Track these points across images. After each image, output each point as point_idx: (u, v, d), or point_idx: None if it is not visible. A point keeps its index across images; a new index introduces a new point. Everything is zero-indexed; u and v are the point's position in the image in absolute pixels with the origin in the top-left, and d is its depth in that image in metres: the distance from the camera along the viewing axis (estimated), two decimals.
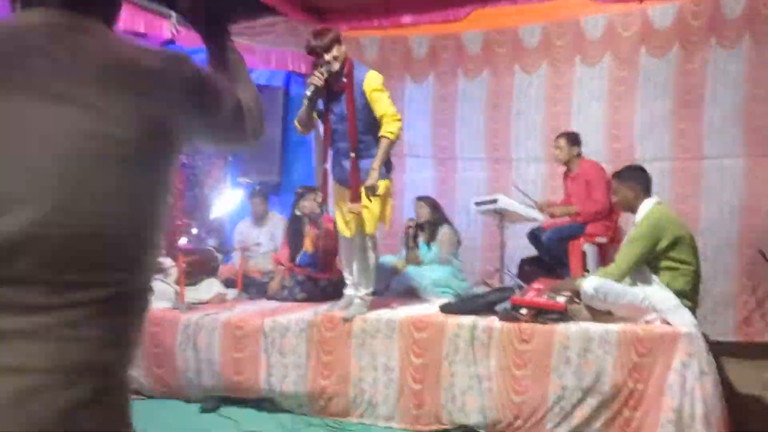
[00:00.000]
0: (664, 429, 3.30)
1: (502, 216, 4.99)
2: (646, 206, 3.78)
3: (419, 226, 5.22)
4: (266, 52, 6.11)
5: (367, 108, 3.96)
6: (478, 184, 6.22)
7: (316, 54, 3.94)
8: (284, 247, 5.31)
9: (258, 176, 6.46)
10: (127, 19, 4.95)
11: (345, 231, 4.25)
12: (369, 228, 4.11)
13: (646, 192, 3.84)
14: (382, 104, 3.92)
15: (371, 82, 3.93)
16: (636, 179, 3.86)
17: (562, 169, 5.50)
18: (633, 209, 3.86)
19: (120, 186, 1.07)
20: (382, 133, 3.94)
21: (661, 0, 5.43)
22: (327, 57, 3.91)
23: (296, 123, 4.12)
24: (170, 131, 1.16)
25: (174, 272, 4.70)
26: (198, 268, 4.90)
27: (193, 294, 4.82)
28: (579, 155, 5.11)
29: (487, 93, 6.20)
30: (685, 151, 5.50)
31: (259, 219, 5.85)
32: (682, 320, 3.49)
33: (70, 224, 1.03)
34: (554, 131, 5.88)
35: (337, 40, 3.96)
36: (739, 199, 5.33)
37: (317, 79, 3.86)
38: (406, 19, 6.07)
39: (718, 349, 4.94)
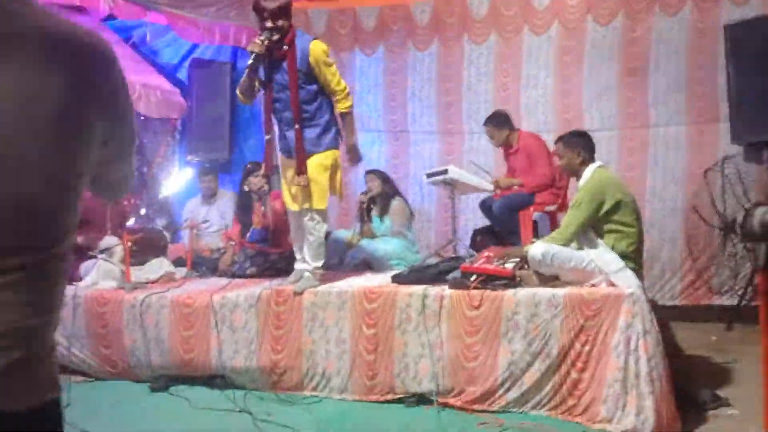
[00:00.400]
0: (611, 388, 3.37)
1: (453, 187, 4.99)
2: (589, 171, 3.82)
3: (371, 200, 5.19)
4: (210, 26, 5.95)
5: (310, 77, 3.91)
6: (431, 157, 6.23)
7: (262, 16, 3.84)
8: (234, 224, 5.25)
9: (207, 154, 6.33)
10: None
11: (292, 205, 4.20)
12: (316, 202, 4.07)
13: (591, 157, 3.88)
14: (333, 79, 3.91)
15: (317, 53, 3.87)
16: (582, 144, 3.89)
17: None
18: (577, 174, 3.90)
19: (43, 155, 1.04)
20: (341, 109, 3.96)
21: None
22: (270, 24, 3.82)
23: (238, 92, 4.08)
24: (94, 117, 1.11)
25: (119, 251, 4.58)
26: (145, 248, 4.79)
27: (140, 273, 4.72)
28: (512, 131, 5.13)
29: (438, 65, 6.19)
30: (632, 120, 5.59)
31: (209, 197, 5.75)
32: (626, 281, 3.55)
33: None
34: (505, 102, 5.93)
35: (287, 10, 3.90)
36: (683, 166, 5.45)
37: (258, 45, 3.78)
38: None
39: (667, 314, 5.10)
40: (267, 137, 4.14)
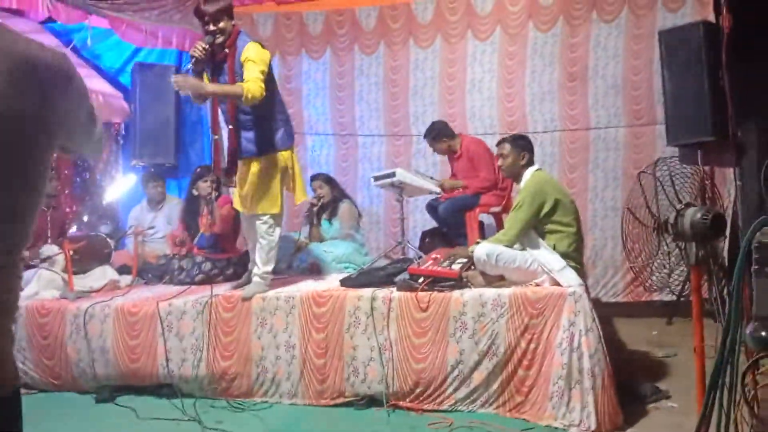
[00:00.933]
0: (555, 385, 3.45)
1: (401, 189, 5.03)
2: (528, 173, 3.91)
3: (322, 206, 5.19)
4: (153, 30, 5.85)
5: None
6: (379, 160, 6.27)
7: (203, 20, 3.83)
8: (181, 228, 5.15)
9: (152, 158, 6.20)
10: None
11: (241, 207, 4.18)
12: (267, 206, 4.05)
13: (532, 160, 3.97)
14: (251, 72, 3.72)
15: (249, 50, 3.81)
16: (525, 147, 3.98)
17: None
18: (517, 176, 3.99)
19: (12, 164, 1.15)
20: (241, 84, 3.69)
21: None
22: (212, 27, 3.81)
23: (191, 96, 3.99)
24: (54, 126, 1.23)
25: (60, 260, 4.45)
26: (88, 256, 4.67)
27: (84, 282, 4.61)
28: (453, 138, 5.22)
29: (384, 69, 6.23)
30: (574, 123, 5.75)
31: (155, 203, 5.65)
32: (569, 280, 3.65)
33: None
34: (450, 105, 6.03)
35: (228, 11, 3.87)
36: (622, 167, 5.63)
37: (198, 50, 3.76)
38: None
39: (610, 311, 5.25)
40: (215, 137, 4.09)
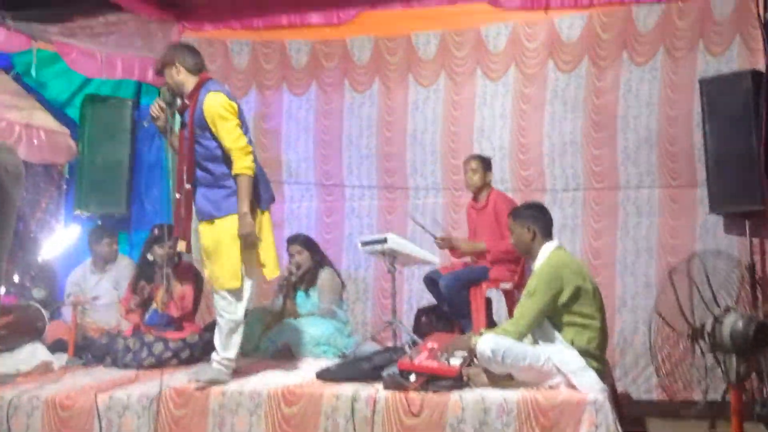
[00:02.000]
0: None
1: (394, 258, 5.01)
2: (544, 252, 3.90)
3: (302, 275, 5.17)
4: (110, 58, 5.91)
5: (209, 134, 3.99)
6: (369, 216, 6.28)
7: (159, 76, 4.12)
8: (128, 294, 5.12)
9: (100, 208, 6.22)
10: None
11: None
12: (225, 279, 4.05)
13: (546, 234, 3.96)
14: (228, 136, 3.94)
15: (211, 107, 3.95)
16: (534, 219, 3.98)
17: (465, 199, 5.64)
18: (530, 253, 3.98)
19: None
20: (236, 170, 3.95)
21: (568, 8, 5.71)
22: (166, 81, 4.07)
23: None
24: None
25: None
26: (17, 330, 4.64)
27: (10, 363, 4.57)
28: (490, 183, 5.25)
29: (378, 109, 6.28)
30: (600, 181, 5.77)
31: (103, 263, 5.63)
32: (589, 384, 3.61)
33: None
34: (454, 155, 6.06)
35: (170, 62, 4.05)
36: (657, 235, 5.62)
37: (154, 109, 4.04)
38: (282, 19, 6.10)
39: (642, 409, 5.19)
40: (177, 196, 4.17)
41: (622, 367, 5.56)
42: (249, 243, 4.00)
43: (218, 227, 4.03)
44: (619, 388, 5.50)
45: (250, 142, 4.09)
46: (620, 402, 4.92)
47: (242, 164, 3.93)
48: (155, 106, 4.03)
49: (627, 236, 5.71)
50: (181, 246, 4.11)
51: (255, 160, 4.10)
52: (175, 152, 4.27)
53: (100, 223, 6.14)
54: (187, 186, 4.03)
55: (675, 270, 4.49)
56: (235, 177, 3.95)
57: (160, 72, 4.11)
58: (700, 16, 5.49)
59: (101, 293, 5.49)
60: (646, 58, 5.65)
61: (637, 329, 5.59)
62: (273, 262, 4.21)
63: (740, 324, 2.62)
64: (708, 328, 2.67)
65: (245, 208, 3.95)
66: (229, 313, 4.08)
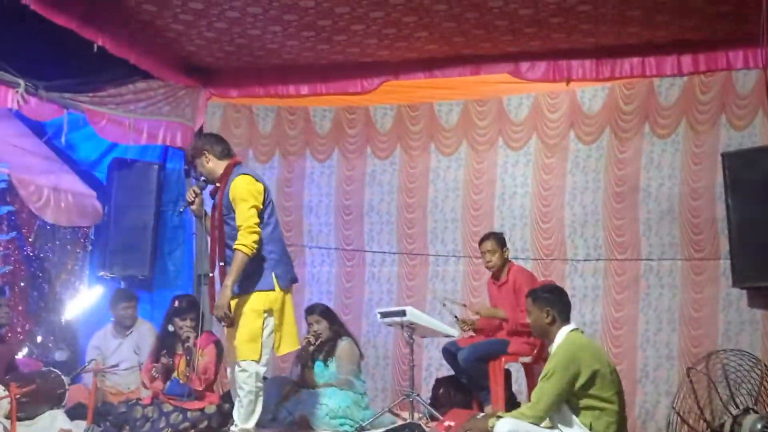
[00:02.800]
0: None
1: (412, 330, 5.04)
2: (561, 335, 3.90)
3: (320, 345, 5.20)
4: (137, 123, 6.05)
5: (234, 215, 4.19)
6: (390, 282, 6.32)
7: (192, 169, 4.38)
8: (150, 366, 5.17)
9: (124, 270, 6.30)
10: None
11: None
12: (246, 351, 4.14)
13: (563, 318, 3.96)
14: (241, 214, 4.16)
15: (234, 188, 4.20)
16: (551, 302, 3.97)
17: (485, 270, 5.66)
18: (547, 335, 3.98)
19: None
20: (235, 245, 4.12)
21: (590, 81, 5.77)
22: (198, 172, 4.35)
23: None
24: None
25: (5, 404, 4.46)
26: (38, 399, 4.67)
27: (30, 431, 4.59)
28: (508, 259, 5.27)
29: (400, 176, 6.38)
30: (621, 251, 5.79)
31: (123, 328, 5.70)
32: None
33: None
34: (475, 222, 6.12)
35: (199, 152, 4.32)
36: (680, 307, 5.60)
37: (189, 195, 4.29)
38: (306, 88, 6.19)
39: None
40: (211, 275, 4.40)
41: None
42: (219, 316, 4.14)
43: (241, 302, 4.19)
44: None
45: (272, 212, 4.31)
46: None
47: (243, 241, 4.09)
48: (190, 192, 4.29)
49: (649, 307, 5.70)
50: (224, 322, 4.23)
51: (278, 246, 4.28)
52: (208, 234, 4.50)
53: (122, 285, 6.22)
54: (220, 264, 4.24)
55: (693, 369, 4.46)
56: (234, 250, 4.10)
57: (190, 162, 4.45)
58: (723, 90, 5.54)
59: (122, 357, 5.54)
60: (669, 131, 5.70)
61: (659, 401, 5.55)
62: (293, 338, 4.35)
63: (759, 426, 2.60)
64: (727, 428, 2.64)
65: (229, 281, 4.10)
66: (250, 385, 4.14)
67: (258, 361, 4.18)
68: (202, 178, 4.32)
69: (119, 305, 5.73)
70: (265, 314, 4.19)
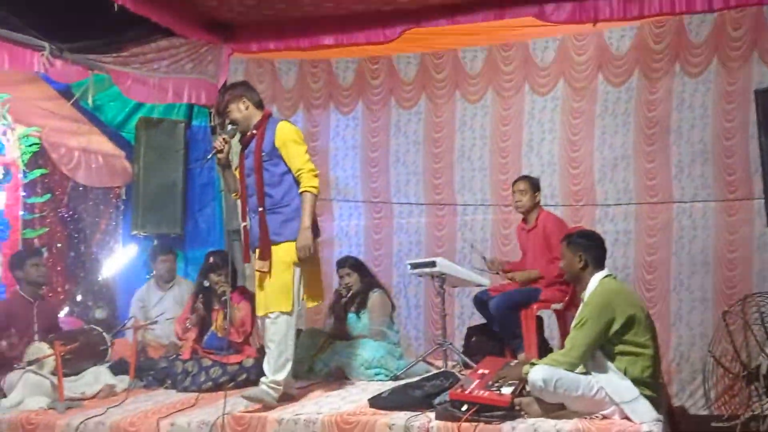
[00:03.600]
0: None
1: (443, 280, 5.07)
2: (594, 281, 3.89)
3: (351, 297, 5.26)
4: (162, 82, 6.06)
5: (276, 158, 4.20)
6: (418, 233, 6.34)
7: (223, 112, 4.32)
8: (185, 317, 5.28)
9: (156, 228, 6.41)
10: None
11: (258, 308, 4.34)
12: (278, 302, 4.18)
13: (597, 265, 3.95)
14: (299, 158, 4.19)
15: (285, 132, 4.21)
16: (586, 248, 3.97)
17: (514, 215, 5.66)
18: (580, 281, 3.98)
19: None
20: (303, 187, 4.16)
21: (618, 21, 5.62)
22: (231, 117, 4.27)
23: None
24: None
25: (50, 361, 4.60)
26: (82, 355, 4.80)
27: (74, 386, 4.73)
28: (539, 204, 5.25)
29: (425, 126, 6.33)
30: (653, 195, 5.73)
31: (164, 282, 5.86)
32: (642, 414, 3.60)
33: None
34: (503, 170, 6.07)
35: (238, 97, 4.27)
36: (713, 249, 5.55)
37: (218, 143, 4.23)
38: (328, 39, 6.13)
39: (700, 426, 5.12)
40: (243, 224, 4.39)
41: (679, 382, 5.52)
42: (304, 256, 4.15)
43: (274, 253, 4.21)
44: (676, 404, 5.47)
45: None
46: (676, 419, 4.90)
47: (311, 183, 4.17)
48: (220, 140, 4.24)
49: (682, 250, 5.66)
50: (264, 266, 4.22)
51: None
52: (235, 184, 4.45)
53: (155, 242, 6.33)
54: (260, 209, 4.23)
55: (729, 311, 4.43)
56: (302, 194, 4.16)
57: (225, 107, 4.31)
58: (754, 26, 5.38)
59: (164, 309, 5.69)
60: (700, 70, 5.57)
61: (694, 344, 5.55)
62: (320, 291, 4.44)
63: None
64: (763, 370, 2.64)
65: (308, 222, 4.14)
66: (279, 337, 4.20)
67: (290, 313, 4.22)
68: (233, 127, 4.30)
69: (158, 259, 5.90)
70: (294, 265, 4.21)
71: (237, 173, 4.43)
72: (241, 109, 4.26)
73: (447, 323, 5.22)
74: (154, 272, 6.03)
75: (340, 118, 6.53)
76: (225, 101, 4.31)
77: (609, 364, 3.77)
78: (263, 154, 4.21)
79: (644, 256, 5.72)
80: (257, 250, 4.29)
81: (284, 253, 4.21)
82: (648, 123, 5.72)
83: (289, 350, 4.27)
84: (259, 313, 4.33)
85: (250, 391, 4.21)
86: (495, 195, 6.12)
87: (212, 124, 6.48)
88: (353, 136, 6.52)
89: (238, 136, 4.40)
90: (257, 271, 4.28)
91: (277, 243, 4.22)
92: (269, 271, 4.22)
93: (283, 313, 4.20)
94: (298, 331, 5.44)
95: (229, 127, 4.31)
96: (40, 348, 4.76)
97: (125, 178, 6.52)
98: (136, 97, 6.03)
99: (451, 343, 5.09)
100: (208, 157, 4.32)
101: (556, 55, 5.95)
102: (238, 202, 4.51)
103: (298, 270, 4.25)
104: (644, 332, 3.79)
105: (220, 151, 4.23)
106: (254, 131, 4.27)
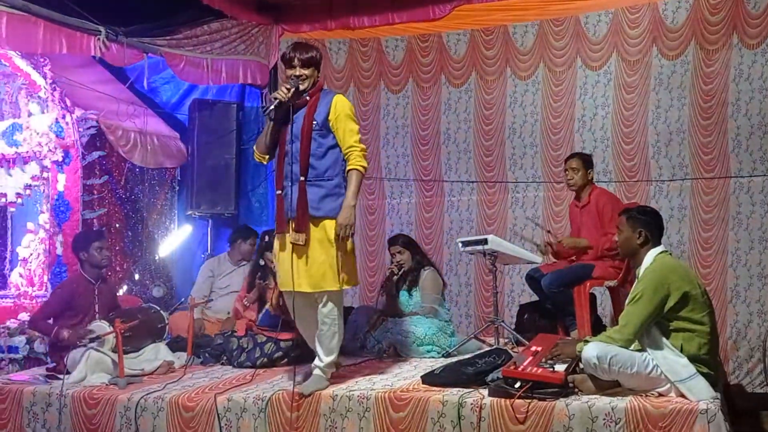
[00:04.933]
0: None
1: (494, 257, 5.03)
2: (650, 257, 3.81)
3: (403, 274, 5.25)
4: (214, 64, 6.12)
5: (327, 130, 4.08)
6: (469, 211, 6.30)
7: (290, 65, 4.06)
8: (244, 294, 5.36)
9: (211, 208, 6.51)
10: (46, 41, 4.96)
11: (285, 283, 4.17)
12: (329, 282, 4.06)
13: (655, 240, 3.87)
14: (352, 135, 4.07)
15: (342, 105, 4.09)
16: (646, 224, 3.88)
17: (566, 192, 5.58)
18: (635, 257, 3.90)
19: None
20: (353, 165, 4.04)
21: None
22: (300, 71, 4.04)
23: (255, 148, 4.27)
24: None
25: (111, 339, 4.71)
26: (141, 333, 4.90)
27: (134, 363, 4.84)
28: (591, 181, 5.16)
29: (475, 103, 6.26)
30: (709, 170, 5.58)
31: (239, 259, 5.96)
32: (699, 392, 3.53)
33: None
34: (555, 147, 5.99)
35: (318, 62, 4.15)
36: None
37: (283, 93, 4.00)
38: (378, 18, 6.11)
39: (758, 403, 5.03)
40: (278, 192, 4.22)
41: (736, 360, 5.43)
42: (344, 234, 4.02)
43: (313, 231, 4.07)
44: (732, 381, 5.37)
45: None
46: (733, 397, 4.80)
47: (360, 162, 4.05)
48: (283, 89, 4.01)
49: (739, 226, 5.52)
50: (300, 239, 4.06)
51: None
52: (272, 145, 4.23)
53: (210, 223, 6.44)
54: (301, 178, 4.06)
55: None
56: (350, 171, 4.05)
57: (307, 62, 4.06)
58: None
59: (231, 281, 5.80)
60: (759, 41, 5.39)
61: (752, 321, 5.44)
62: (354, 274, 4.24)
63: None
64: None
65: (353, 201, 4.03)
66: (331, 318, 4.15)
67: (338, 292, 4.15)
68: (296, 83, 4.02)
69: (247, 240, 5.94)
70: (335, 242, 4.06)
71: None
72: (316, 76, 4.12)
73: (498, 301, 5.18)
74: (232, 250, 6.04)
75: (390, 96, 6.52)
76: (310, 55, 4.07)
77: (664, 340, 3.70)
78: (314, 123, 4.08)
79: (700, 232, 5.59)
80: (291, 222, 4.10)
81: (327, 230, 4.06)
82: (704, 96, 5.56)
83: (340, 329, 4.24)
84: (285, 288, 4.18)
85: (307, 384, 4.14)
86: (546, 172, 6.05)
87: (263, 105, 6.50)
88: (404, 115, 6.49)
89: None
90: (292, 243, 4.09)
91: (315, 217, 4.06)
92: (306, 245, 4.06)
93: (332, 292, 4.13)
94: (350, 309, 5.51)
95: (292, 81, 4.04)
96: (101, 326, 4.86)
97: (180, 159, 6.63)
98: (189, 79, 6.11)
99: (503, 321, 5.06)
100: (271, 108, 4.03)
101: (609, 28, 5.82)
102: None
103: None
104: (701, 309, 3.71)
105: (284, 101, 3.99)
106: (307, 98, 4.11)
